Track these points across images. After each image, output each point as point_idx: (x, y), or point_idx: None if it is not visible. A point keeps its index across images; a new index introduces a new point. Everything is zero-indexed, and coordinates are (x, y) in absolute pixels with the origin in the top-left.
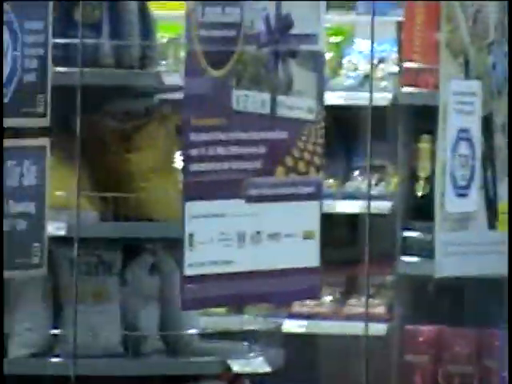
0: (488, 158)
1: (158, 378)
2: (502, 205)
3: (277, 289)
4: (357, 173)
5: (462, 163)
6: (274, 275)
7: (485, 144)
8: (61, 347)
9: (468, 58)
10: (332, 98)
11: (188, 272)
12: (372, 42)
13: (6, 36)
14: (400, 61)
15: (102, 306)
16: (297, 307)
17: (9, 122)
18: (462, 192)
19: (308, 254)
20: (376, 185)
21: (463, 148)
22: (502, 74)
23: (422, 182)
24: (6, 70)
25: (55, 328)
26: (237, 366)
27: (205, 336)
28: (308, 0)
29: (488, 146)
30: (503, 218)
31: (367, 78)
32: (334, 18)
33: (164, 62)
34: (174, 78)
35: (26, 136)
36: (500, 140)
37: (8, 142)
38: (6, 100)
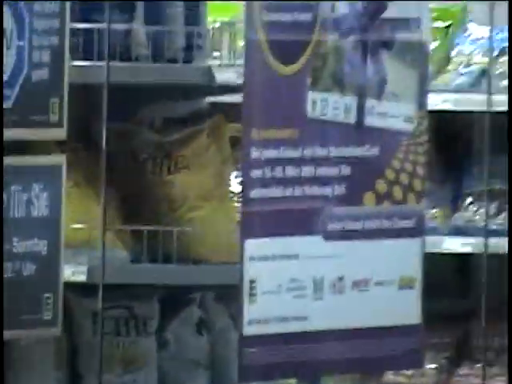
0: None
1: None
2: None
3: (365, 354)
4: (469, 200)
5: None
6: (362, 335)
7: None
8: None
9: None
10: (438, 102)
11: (248, 331)
12: (491, 29)
13: (9, 21)
14: None
15: (136, 375)
16: (390, 377)
17: (13, 134)
18: None
19: (406, 308)
20: (495, 216)
21: None
22: None
23: None
24: (9, 66)
25: None
26: None
27: None
28: None
29: None
30: None
31: (484, 75)
32: None
33: (216, 54)
34: (229, 75)
35: (35, 152)
36: None
37: (12, 160)
38: (8, 105)
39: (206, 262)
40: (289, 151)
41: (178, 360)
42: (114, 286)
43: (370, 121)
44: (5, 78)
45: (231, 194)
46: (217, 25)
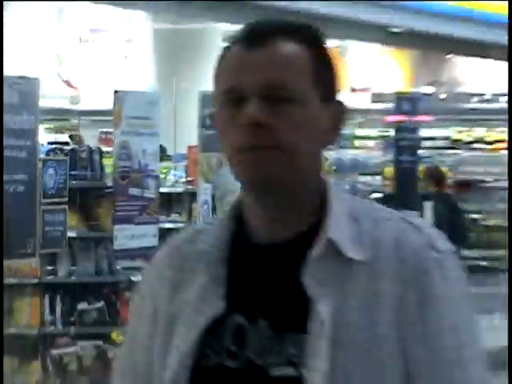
0: None
1: None
2: None
3: None
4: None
5: None
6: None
7: None
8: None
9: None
10: (164, 189)
11: (115, 247)
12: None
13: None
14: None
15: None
16: None
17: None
18: None
19: (152, 240)
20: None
21: None
22: None
23: None
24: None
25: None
26: None
27: None
28: None
29: None
30: None
31: (178, 182)
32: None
33: (109, 180)
34: (110, 182)
35: (59, 204)
36: None
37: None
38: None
39: (106, 230)
40: (127, 202)
41: (102, 257)
42: (82, 237)
43: (146, 195)
44: None
45: (114, 214)
46: (109, 172)
